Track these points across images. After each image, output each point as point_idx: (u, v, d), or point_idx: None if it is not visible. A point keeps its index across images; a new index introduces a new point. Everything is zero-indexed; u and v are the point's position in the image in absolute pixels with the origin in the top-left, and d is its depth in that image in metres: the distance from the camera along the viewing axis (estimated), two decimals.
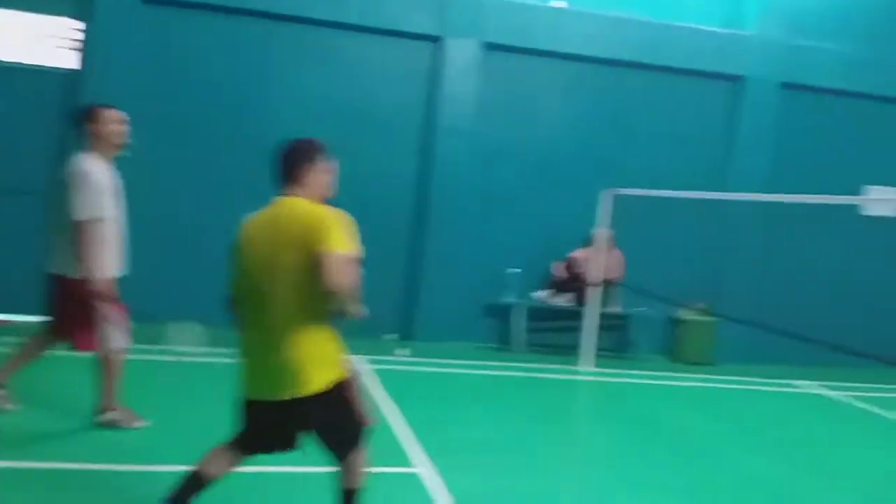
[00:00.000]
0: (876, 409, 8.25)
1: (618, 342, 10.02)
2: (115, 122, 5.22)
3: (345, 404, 3.62)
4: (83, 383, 5.49)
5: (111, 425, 5.32)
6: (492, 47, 9.45)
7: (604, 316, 9.28)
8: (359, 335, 8.84)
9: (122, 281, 5.27)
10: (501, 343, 9.73)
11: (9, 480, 4.45)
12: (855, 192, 10.09)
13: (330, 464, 3.74)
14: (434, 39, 9.38)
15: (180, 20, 8.92)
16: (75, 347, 5.23)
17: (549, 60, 9.68)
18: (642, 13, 9.80)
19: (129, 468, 4.74)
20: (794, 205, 9.11)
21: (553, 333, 9.83)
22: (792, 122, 10.15)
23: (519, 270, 9.56)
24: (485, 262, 9.58)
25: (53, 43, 8.71)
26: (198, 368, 6.75)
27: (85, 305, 5.02)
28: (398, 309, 9.50)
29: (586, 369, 8.89)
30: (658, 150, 9.97)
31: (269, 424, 3.61)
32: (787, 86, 10.08)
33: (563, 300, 9.60)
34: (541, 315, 9.74)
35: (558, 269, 9.66)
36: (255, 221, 3.74)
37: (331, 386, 3.51)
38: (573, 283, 9.52)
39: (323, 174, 3.82)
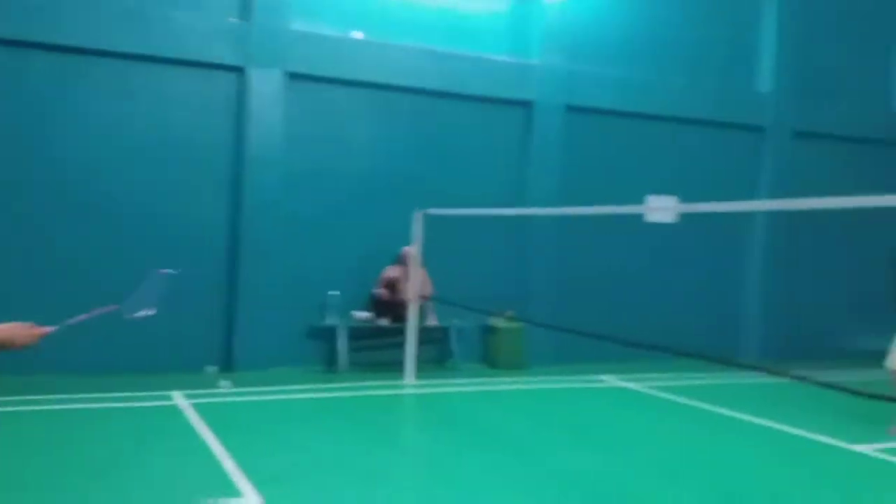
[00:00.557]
0: (671, 397, 9.09)
1: (438, 354, 10.41)
2: None
3: None
4: None
5: None
6: (296, 77, 9.64)
7: (422, 330, 9.63)
8: (177, 370, 8.74)
9: None
10: (327, 365, 9.82)
11: None
12: (638, 201, 11.13)
13: None
14: (237, 70, 9.43)
15: None
16: None
17: (354, 89, 10.01)
18: (437, 44, 10.36)
19: None
20: (584, 216, 9.90)
21: (376, 351, 10.05)
22: (577, 141, 11.08)
23: (338, 293, 9.71)
24: (305, 287, 9.66)
25: None
26: None
27: None
28: (218, 341, 9.38)
29: (409, 383, 9.17)
30: (464, 171, 10.55)
31: None
32: (570, 108, 11.01)
33: (383, 318, 9.85)
34: (363, 334, 9.94)
35: (376, 289, 9.91)
36: None
37: None
38: (390, 301, 9.81)
39: None
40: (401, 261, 9.95)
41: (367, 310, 9.94)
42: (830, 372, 7.99)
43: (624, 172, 11.29)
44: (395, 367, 9.49)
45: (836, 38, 12.46)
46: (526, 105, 10.86)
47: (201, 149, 9.38)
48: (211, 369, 9.17)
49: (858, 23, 12.65)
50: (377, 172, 10.13)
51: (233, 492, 5.24)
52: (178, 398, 7.86)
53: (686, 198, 11.01)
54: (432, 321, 10.04)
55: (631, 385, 9.67)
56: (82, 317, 3.10)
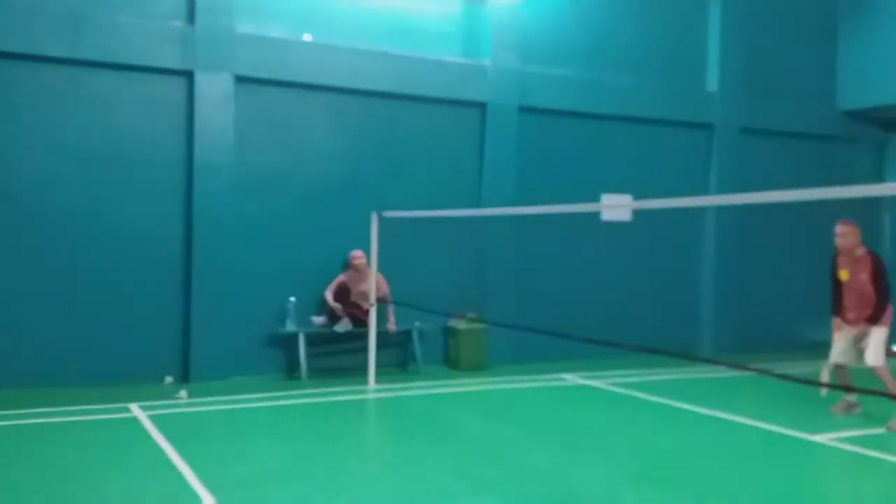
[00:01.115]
0: (632, 393, 9.16)
1: (400, 358, 10.33)
2: None
3: None
4: None
5: None
6: (246, 80, 9.48)
7: (383, 334, 9.55)
8: (134, 381, 8.53)
9: None
10: (288, 372, 9.67)
11: None
12: (593, 200, 11.18)
13: None
14: (184, 74, 9.23)
15: None
16: None
17: (305, 92, 9.87)
18: (388, 46, 10.28)
19: None
20: (541, 215, 9.93)
21: (337, 357, 9.93)
22: (531, 141, 11.12)
23: (293, 299, 9.56)
24: (262, 294, 9.50)
25: None
26: None
27: None
28: (175, 351, 9.17)
29: (370, 387, 9.07)
30: (419, 173, 10.48)
31: None
32: (523, 109, 11.04)
33: (341, 323, 9.72)
34: (323, 340, 9.80)
35: (329, 294, 9.79)
36: None
37: None
38: (346, 306, 9.71)
39: None
40: (349, 265, 9.86)
41: (322, 315, 9.80)
42: (783, 364, 8.14)
43: (578, 172, 11.35)
44: (357, 372, 9.39)
45: (781, 38, 12.74)
46: (479, 106, 10.85)
47: (150, 154, 9.15)
48: (168, 380, 8.96)
49: (803, 22, 12.96)
50: (331, 176, 10.01)
51: (194, 502, 5.12)
52: (136, 410, 7.66)
53: (640, 195, 11.11)
54: (391, 324, 9.94)
55: (592, 382, 9.71)
56: None
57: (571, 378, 9.94)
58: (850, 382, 7.82)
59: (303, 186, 9.86)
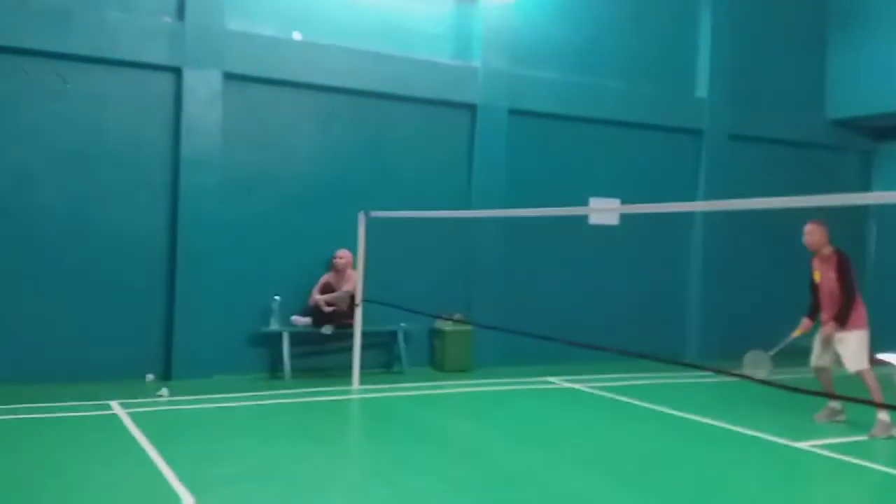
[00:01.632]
0: (617, 397, 9.14)
1: (384, 358, 10.30)
2: None
3: None
4: None
5: None
6: (234, 78, 9.43)
7: (368, 334, 9.50)
8: (115, 378, 8.46)
9: None
10: (271, 372, 9.62)
11: None
12: (581, 204, 11.21)
13: None
14: (173, 70, 9.18)
15: None
16: None
17: (294, 90, 9.83)
18: (379, 46, 10.26)
19: None
20: (529, 218, 9.94)
21: (320, 357, 9.88)
22: (521, 144, 11.11)
23: (278, 298, 9.51)
24: (246, 292, 9.45)
25: None
26: None
27: None
28: (157, 349, 9.11)
29: (354, 388, 9.03)
30: (408, 174, 10.45)
31: None
32: (513, 112, 11.03)
33: (323, 325, 9.66)
34: (307, 340, 9.75)
35: (315, 294, 9.75)
36: None
37: None
38: (328, 305, 9.67)
39: None
40: (333, 265, 9.82)
41: (305, 314, 9.75)
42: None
43: (567, 175, 11.35)
44: (341, 373, 9.35)
45: (771, 45, 12.78)
46: (469, 108, 10.84)
47: (137, 151, 9.10)
48: (150, 377, 8.90)
49: (793, 30, 13.01)
50: (319, 175, 9.97)
51: (173, 500, 5.08)
52: (116, 407, 7.59)
53: (628, 200, 11.17)
54: (378, 325, 9.88)
55: (577, 386, 9.70)
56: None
57: (557, 381, 9.92)
58: (832, 388, 7.84)
59: (290, 185, 9.82)
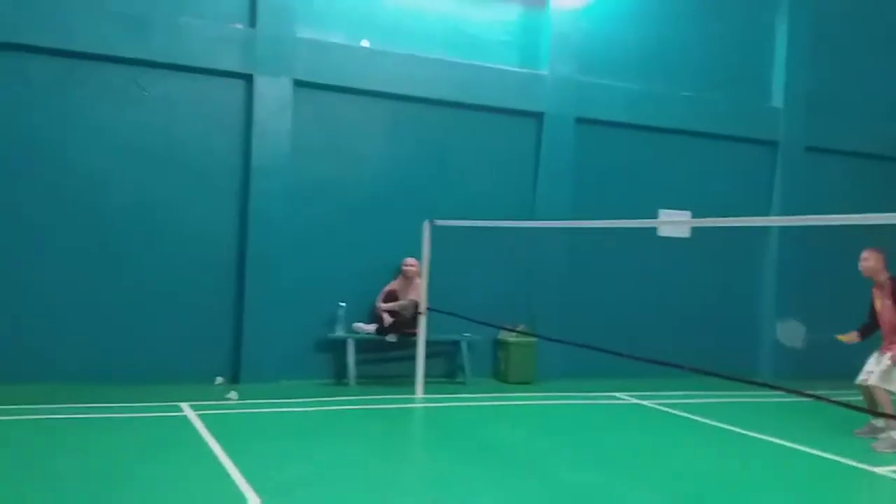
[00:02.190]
0: (686, 415, 8.86)
1: (447, 368, 10.22)
2: None
3: None
4: None
5: None
6: (304, 85, 9.50)
7: (432, 343, 9.44)
8: (186, 380, 8.58)
9: None
10: (336, 378, 9.65)
11: None
12: (650, 215, 10.96)
13: None
14: (244, 77, 9.29)
15: None
16: None
17: (362, 98, 9.87)
18: (446, 53, 10.22)
19: None
20: (595, 229, 9.72)
21: (384, 364, 9.86)
22: (588, 153, 10.93)
23: (343, 305, 9.52)
24: (312, 298, 9.50)
25: None
26: None
27: None
28: (225, 352, 9.22)
29: (418, 396, 8.97)
30: (474, 182, 10.38)
31: None
32: (580, 120, 10.87)
33: (388, 333, 9.64)
34: (371, 347, 9.74)
35: (379, 301, 9.74)
36: None
37: None
38: (393, 313, 9.65)
39: None
40: (402, 273, 9.79)
41: (373, 322, 9.74)
42: (846, 392, 7.83)
43: (636, 186, 11.14)
44: (404, 381, 9.31)
45: (851, 52, 12.33)
46: (536, 116, 10.72)
47: (208, 157, 9.24)
48: (219, 380, 9.00)
49: (872, 38, 12.53)
50: (385, 182, 9.98)
51: (240, 502, 5.09)
52: (187, 409, 7.68)
53: (699, 212, 10.88)
54: (441, 334, 9.81)
55: (645, 402, 9.45)
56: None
57: (624, 397, 9.69)
58: (876, 406, 7.62)
59: (356, 192, 9.84)
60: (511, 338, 10.10)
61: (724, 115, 11.58)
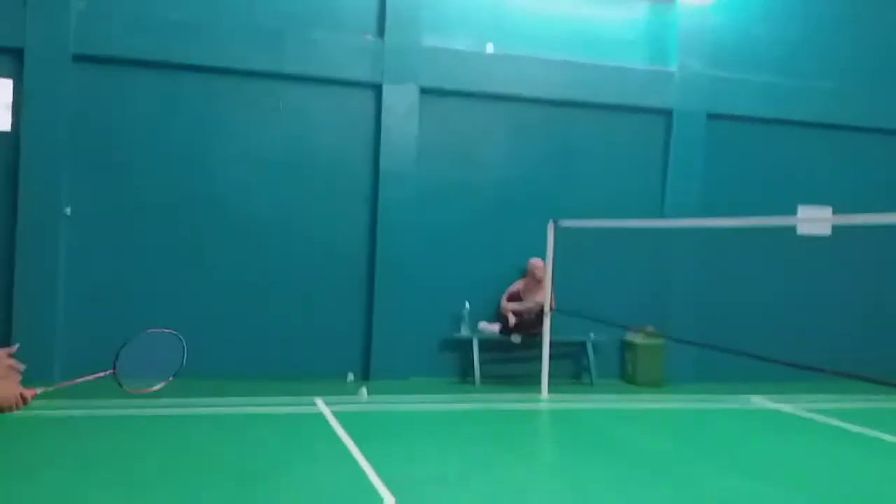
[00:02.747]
0: (829, 420, 8.43)
1: (573, 369, 10.17)
2: None
3: None
4: None
5: None
6: (429, 92, 9.72)
7: (557, 344, 9.42)
8: (319, 377, 8.95)
9: None
10: (462, 376, 9.80)
11: None
12: (787, 213, 10.48)
13: None
14: (373, 86, 9.61)
15: (114, 77, 8.98)
16: None
17: (487, 102, 9.99)
18: (571, 54, 10.18)
19: None
20: (728, 228, 9.41)
21: (509, 364, 9.92)
22: (719, 149, 10.59)
23: (468, 305, 9.67)
24: (438, 299, 9.69)
25: None
26: None
27: None
28: (356, 350, 9.55)
29: (543, 397, 8.97)
30: (600, 182, 10.28)
31: None
32: (711, 116, 10.55)
33: (512, 333, 9.69)
34: (496, 347, 9.83)
35: (504, 301, 9.81)
36: None
37: None
38: (517, 314, 9.68)
39: None
40: (526, 273, 9.82)
41: (494, 322, 9.83)
42: None
43: (771, 182, 10.69)
44: (529, 381, 9.32)
45: None
46: (665, 113, 10.50)
47: (340, 163, 9.61)
48: (351, 377, 9.34)
49: None
50: (509, 185, 10.05)
51: (375, 500, 5.24)
52: (321, 404, 8.01)
53: (841, 209, 10.32)
54: (566, 335, 9.77)
55: (783, 407, 9.05)
56: (78, 380, 2.63)
57: (759, 401, 9.32)
58: None
59: (481, 195, 9.96)
60: (639, 339, 9.92)
61: (864, 106, 10.92)
